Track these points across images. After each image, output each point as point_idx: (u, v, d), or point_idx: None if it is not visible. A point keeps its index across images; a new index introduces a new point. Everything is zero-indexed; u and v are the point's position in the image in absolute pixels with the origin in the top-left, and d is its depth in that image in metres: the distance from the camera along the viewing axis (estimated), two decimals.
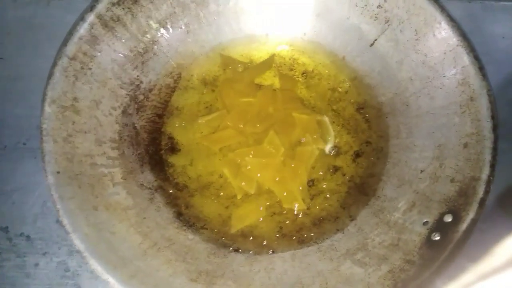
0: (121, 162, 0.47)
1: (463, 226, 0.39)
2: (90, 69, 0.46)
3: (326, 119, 0.52)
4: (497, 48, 0.58)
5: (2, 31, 0.58)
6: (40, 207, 0.52)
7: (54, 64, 0.44)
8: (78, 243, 0.39)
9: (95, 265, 0.39)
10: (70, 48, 0.45)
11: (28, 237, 0.51)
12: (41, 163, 0.41)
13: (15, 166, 0.53)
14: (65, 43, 0.45)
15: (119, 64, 0.49)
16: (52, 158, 0.41)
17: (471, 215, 0.39)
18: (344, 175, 0.50)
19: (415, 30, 0.48)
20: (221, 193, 0.50)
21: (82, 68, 0.46)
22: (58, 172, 0.41)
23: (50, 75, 0.44)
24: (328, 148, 0.51)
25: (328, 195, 0.50)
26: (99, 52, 0.47)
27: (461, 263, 0.37)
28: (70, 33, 0.45)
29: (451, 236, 0.38)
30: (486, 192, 0.40)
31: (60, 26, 0.47)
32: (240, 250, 0.46)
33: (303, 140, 0.51)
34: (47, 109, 0.43)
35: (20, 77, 0.56)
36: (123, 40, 0.49)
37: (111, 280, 0.39)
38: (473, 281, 0.21)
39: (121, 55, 0.49)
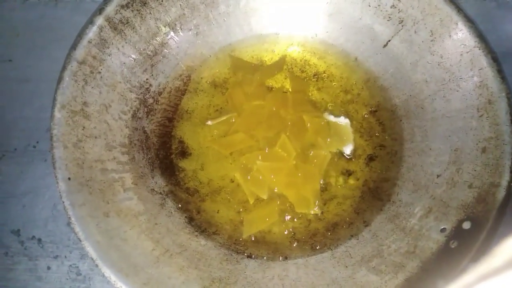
0: (132, 167, 0.47)
1: (483, 233, 0.38)
2: (100, 72, 0.46)
3: (344, 121, 0.51)
4: (511, 47, 0.57)
5: (10, 33, 0.58)
6: (50, 210, 0.52)
7: (64, 69, 0.43)
8: (91, 251, 0.39)
9: (108, 272, 0.38)
10: (80, 52, 0.44)
11: (39, 240, 0.51)
12: (52, 170, 0.41)
13: (25, 168, 0.53)
14: (74, 47, 0.44)
15: (129, 67, 0.48)
16: (63, 164, 0.41)
17: (490, 222, 0.38)
18: (357, 179, 0.50)
19: (431, 30, 0.47)
20: (233, 198, 0.49)
21: (91, 72, 0.45)
22: (69, 179, 0.41)
23: (60, 79, 0.43)
24: (348, 150, 0.50)
25: (341, 200, 0.49)
26: (109, 55, 0.46)
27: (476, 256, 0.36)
28: (79, 36, 0.45)
29: (470, 244, 0.38)
30: (507, 198, 0.39)
31: (68, 27, 0.46)
32: (253, 256, 0.46)
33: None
34: (57, 114, 0.42)
35: (29, 79, 0.56)
36: (132, 43, 0.48)
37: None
38: (474, 281, 0.21)
39: (130, 58, 0.48)
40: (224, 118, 0.52)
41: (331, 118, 0.51)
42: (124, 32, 0.47)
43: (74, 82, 0.44)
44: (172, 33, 0.51)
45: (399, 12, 0.48)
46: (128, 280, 0.38)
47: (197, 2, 0.50)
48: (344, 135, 0.51)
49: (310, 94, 0.53)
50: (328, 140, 0.50)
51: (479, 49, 0.44)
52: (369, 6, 0.50)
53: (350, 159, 0.50)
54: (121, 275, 0.38)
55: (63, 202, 0.40)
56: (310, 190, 0.48)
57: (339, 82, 0.53)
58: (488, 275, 0.21)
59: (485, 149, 0.42)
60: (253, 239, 0.47)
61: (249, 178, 0.49)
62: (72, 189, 0.41)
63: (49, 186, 0.52)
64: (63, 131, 0.42)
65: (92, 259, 0.39)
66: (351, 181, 0.49)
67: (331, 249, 0.46)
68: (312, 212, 0.48)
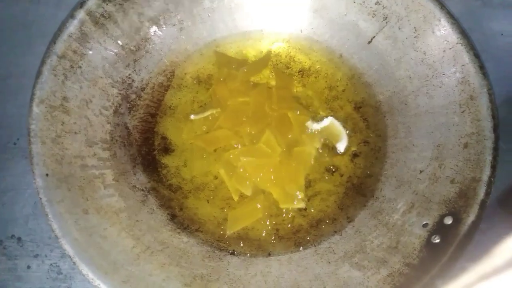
0: (113, 163, 0.46)
1: (464, 228, 0.38)
2: (80, 67, 0.45)
3: (330, 119, 0.51)
4: (496, 46, 0.58)
5: None
6: (31, 208, 0.51)
7: (43, 63, 0.43)
8: (68, 248, 0.38)
9: (86, 270, 0.38)
10: (59, 46, 0.43)
11: (19, 239, 0.50)
12: (30, 165, 0.40)
13: (5, 166, 0.52)
14: (53, 40, 0.43)
15: (110, 62, 0.48)
16: (41, 160, 0.40)
17: (471, 217, 0.38)
18: (341, 175, 0.49)
19: (414, 27, 0.47)
20: (216, 195, 0.49)
21: (71, 66, 0.44)
22: (47, 175, 0.40)
23: (38, 74, 0.42)
24: (342, 147, 0.50)
25: (325, 196, 0.49)
26: (90, 50, 0.46)
27: (461, 264, 0.37)
28: (59, 30, 0.44)
29: (451, 239, 0.38)
30: (487, 193, 0.39)
31: (51, 23, 0.45)
32: (235, 253, 0.45)
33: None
34: (35, 109, 0.41)
35: (11, 75, 0.55)
36: (114, 38, 0.48)
37: (102, 286, 0.38)
38: (474, 281, 0.21)
39: (112, 53, 0.48)
40: (208, 113, 0.51)
41: (315, 126, 0.50)
42: (106, 27, 0.47)
43: (54, 76, 0.43)
44: (155, 28, 0.50)
45: (383, 9, 0.48)
46: (107, 278, 0.38)
47: None
48: (335, 133, 0.50)
49: (295, 91, 0.53)
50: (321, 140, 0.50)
51: (462, 45, 0.44)
52: (354, 2, 0.50)
53: (335, 155, 0.50)
54: (100, 273, 0.38)
55: (40, 198, 0.39)
56: (295, 186, 0.48)
57: (324, 78, 0.53)
58: (488, 275, 0.21)
59: (467, 144, 0.42)
60: (236, 236, 0.47)
61: (233, 175, 0.48)
62: (50, 185, 0.40)
63: (30, 184, 0.51)
64: (41, 126, 0.41)
65: (70, 256, 0.38)
66: (336, 177, 0.49)
67: (315, 246, 0.45)
68: (297, 205, 0.47)
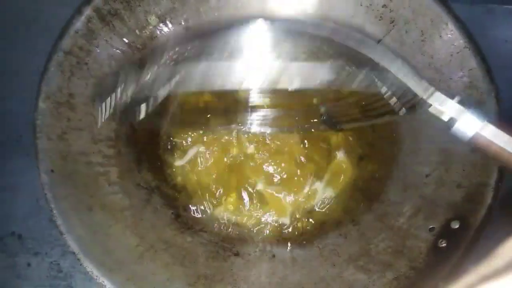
0: (118, 161, 0.46)
1: (470, 233, 0.38)
2: (86, 64, 0.45)
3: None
4: (499, 52, 0.58)
5: None
6: (32, 205, 0.50)
7: (49, 59, 0.42)
8: (73, 244, 0.38)
9: (90, 267, 0.38)
10: (66, 42, 0.43)
11: (19, 236, 0.49)
12: (35, 164, 0.40)
13: (7, 162, 0.51)
14: (60, 37, 0.43)
15: (116, 59, 0.47)
16: (46, 156, 0.40)
17: (478, 221, 0.38)
18: (347, 178, 0.49)
19: (421, 31, 0.47)
20: (222, 195, 0.49)
21: (78, 63, 0.44)
22: (52, 171, 0.40)
23: (45, 70, 0.42)
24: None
25: (330, 199, 0.49)
26: (96, 47, 0.45)
27: (463, 265, 0.37)
28: (66, 26, 0.43)
29: (458, 243, 0.38)
30: (494, 198, 0.39)
31: (53, 20, 0.46)
32: (239, 254, 0.45)
33: None
34: (42, 105, 0.41)
35: (13, 72, 0.54)
36: (121, 35, 0.47)
37: (106, 283, 0.37)
38: (475, 283, 0.21)
39: (118, 50, 0.47)
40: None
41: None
42: (113, 24, 0.46)
43: (60, 72, 0.43)
44: (161, 26, 0.50)
45: (390, 12, 0.48)
46: (111, 275, 0.38)
47: None
48: None
49: None
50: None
51: (469, 50, 0.44)
52: (361, 5, 0.50)
53: (341, 158, 0.50)
54: (104, 270, 0.38)
55: (46, 194, 0.39)
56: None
57: None
58: (490, 276, 0.21)
59: (473, 148, 0.42)
60: (240, 236, 0.47)
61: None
62: (55, 182, 0.40)
63: (31, 181, 0.50)
64: (47, 122, 0.41)
65: (74, 253, 0.38)
66: (341, 179, 0.49)
67: (319, 248, 0.45)
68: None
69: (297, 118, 0.49)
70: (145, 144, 0.49)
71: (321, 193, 0.49)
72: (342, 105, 0.48)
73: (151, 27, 0.49)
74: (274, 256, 0.45)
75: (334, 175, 0.50)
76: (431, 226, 0.41)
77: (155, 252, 0.42)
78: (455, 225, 0.39)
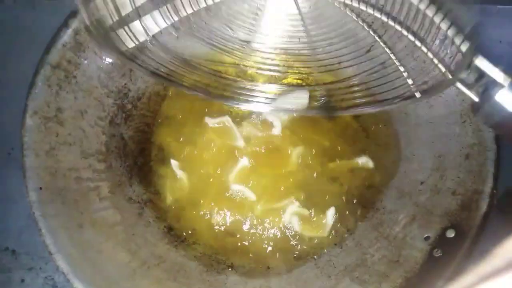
0: (108, 175, 0.45)
1: (467, 242, 0.37)
2: (75, 77, 0.44)
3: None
4: (493, 53, 0.57)
5: None
6: (25, 219, 0.49)
7: (36, 73, 0.42)
8: (62, 264, 0.37)
9: (80, 287, 0.37)
10: (53, 56, 0.43)
11: (13, 251, 0.49)
12: (22, 179, 0.39)
13: None
14: (47, 50, 0.43)
15: (106, 71, 0.47)
16: (34, 173, 0.40)
17: (474, 230, 0.38)
18: (341, 185, 0.49)
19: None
20: (214, 206, 0.48)
21: (66, 76, 0.44)
22: (41, 188, 0.39)
23: (32, 84, 0.42)
24: None
25: (324, 207, 0.48)
26: (84, 59, 0.45)
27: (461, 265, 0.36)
28: (53, 40, 0.43)
29: (454, 253, 0.37)
30: (490, 205, 0.38)
31: (46, 30, 0.45)
32: (234, 267, 0.45)
33: None
34: (29, 121, 0.41)
35: (5, 83, 0.54)
36: None
37: None
38: (473, 283, 0.20)
39: (107, 62, 0.47)
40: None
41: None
42: None
43: (47, 87, 0.42)
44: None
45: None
46: None
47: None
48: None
49: None
50: None
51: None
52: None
53: (334, 165, 0.50)
54: None
55: (34, 213, 0.38)
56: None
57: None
58: (489, 276, 0.21)
59: (468, 155, 0.42)
60: (234, 249, 0.46)
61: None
62: (44, 199, 0.39)
63: (24, 195, 0.49)
64: (35, 138, 0.41)
65: (63, 273, 0.37)
66: (335, 188, 0.49)
67: (314, 259, 0.45)
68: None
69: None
70: (136, 156, 0.49)
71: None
72: (343, 86, 0.46)
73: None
74: (268, 268, 0.45)
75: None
76: (426, 235, 0.41)
77: (148, 268, 0.41)
78: (451, 234, 0.39)
